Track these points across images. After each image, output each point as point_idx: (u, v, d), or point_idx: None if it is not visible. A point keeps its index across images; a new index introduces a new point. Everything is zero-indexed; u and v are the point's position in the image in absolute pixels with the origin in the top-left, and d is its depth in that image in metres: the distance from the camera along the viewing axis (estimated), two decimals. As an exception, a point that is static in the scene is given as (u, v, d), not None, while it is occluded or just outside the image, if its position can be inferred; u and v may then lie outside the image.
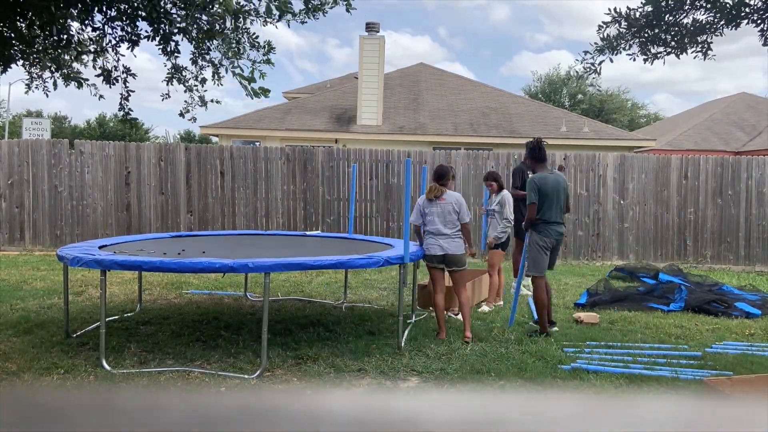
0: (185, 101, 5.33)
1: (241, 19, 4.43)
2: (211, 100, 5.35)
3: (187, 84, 5.21)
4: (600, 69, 5.28)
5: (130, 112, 5.40)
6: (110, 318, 5.91)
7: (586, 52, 5.24)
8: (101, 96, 5.67)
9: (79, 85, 5.47)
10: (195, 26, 4.58)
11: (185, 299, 7.17)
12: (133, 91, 5.35)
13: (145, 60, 67.28)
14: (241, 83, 4.53)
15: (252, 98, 4.58)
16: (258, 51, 4.78)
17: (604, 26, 5.12)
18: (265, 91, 4.51)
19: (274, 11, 4.39)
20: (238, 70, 4.60)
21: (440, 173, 5.57)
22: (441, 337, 5.40)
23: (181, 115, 5.33)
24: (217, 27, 4.57)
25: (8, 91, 35.99)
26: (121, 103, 5.34)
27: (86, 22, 4.98)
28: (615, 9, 5.04)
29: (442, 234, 5.43)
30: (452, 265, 5.45)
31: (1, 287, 7.51)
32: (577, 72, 5.37)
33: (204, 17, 4.42)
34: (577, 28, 72.92)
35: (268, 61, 4.70)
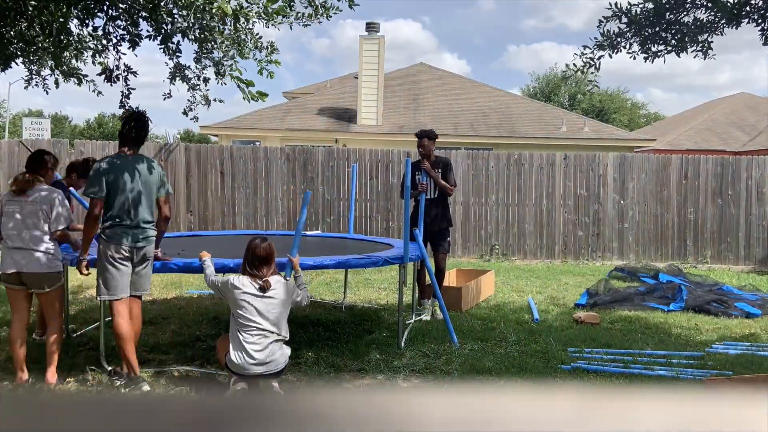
0: (188, 100, 5.32)
1: (242, 20, 4.42)
2: (214, 99, 5.34)
3: (190, 83, 5.20)
4: (599, 65, 5.26)
5: (131, 110, 5.39)
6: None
7: (585, 47, 5.23)
8: (100, 92, 5.65)
9: (79, 82, 5.46)
10: (196, 27, 4.58)
11: (185, 299, 7.17)
12: (134, 89, 5.34)
13: (140, 60, 67.41)
14: (239, 86, 4.50)
15: (249, 102, 4.55)
16: (261, 51, 4.77)
17: (605, 21, 5.11)
18: (262, 95, 4.48)
19: (264, 17, 4.37)
20: (236, 73, 4.58)
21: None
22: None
23: (185, 113, 5.32)
24: (217, 28, 4.56)
25: (8, 90, 36.02)
26: (122, 101, 5.33)
27: (86, 22, 4.97)
28: (616, 4, 5.03)
29: None
30: None
31: (0, 288, 7.50)
32: (575, 66, 5.35)
33: (203, 21, 4.40)
34: (561, 15, 73.74)
35: (275, 61, 4.69)
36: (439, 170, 6.22)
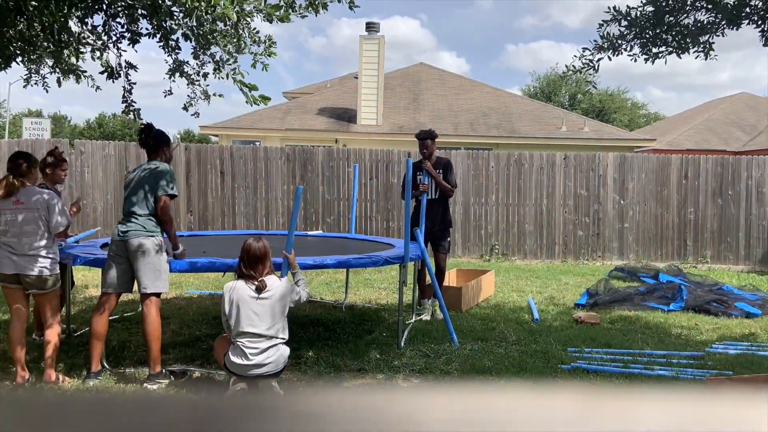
0: (188, 95, 5.32)
1: (243, 21, 4.43)
2: (214, 94, 5.34)
3: (189, 78, 5.20)
4: (598, 66, 5.26)
5: (133, 104, 5.40)
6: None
7: (585, 49, 5.23)
8: (98, 87, 5.64)
9: (78, 79, 5.45)
10: (196, 26, 4.58)
11: (185, 299, 7.17)
12: (135, 83, 5.34)
13: (140, 57, 67.31)
14: (241, 90, 4.50)
15: (252, 105, 4.56)
16: (259, 46, 4.76)
17: (604, 24, 5.11)
18: (264, 99, 4.48)
19: (275, 19, 4.38)
20: (239, 77, 4.58)
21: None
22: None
23: (185, 108, 5.32)
24: (219, 30, 4.56)
25: (8, 90, 36.03)
26: (124, 96, 5.33)
27: (86, 20, 4.97)
28: (615, 8, 5.04)
29: None
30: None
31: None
32: (574, 67, 5.35)
33: (204, 23, 4.41)
34: (559, 14, 74.25)
35: (271, 53, 4.68)
36: (440, 171, 6.22)
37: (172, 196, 4.37)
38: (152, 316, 4.22)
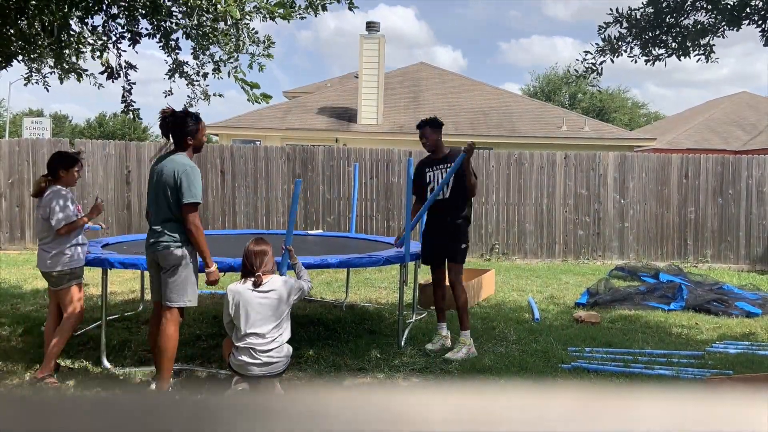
0: (188, 96, 5.34)
1: (243, 20, 4.43)
2: (214, 94, 5.35)
3: (189, 78, 5.22)
4: (601, 70, 5.27)
5: (133, 104, 5.40)
6: (111, 317, 5.91)
7: (587, 53, 5.25)
8: (100, 85, 5.66)
9: (79, 78, 5.46)
10: (197, 26, 4.58)
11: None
12: (134, 83, 5.35)
13: (140, 57, 67.42)
14: (243, 88, 4.51)
15: (253, 104, 4.56)
16: (258, 46, 4.77)
17: (605, 26, 5.12)
18: (266, 97, 4.49)
19: (276, 15, 4.39)
20: (240, 75, 4.58)
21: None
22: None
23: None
24: (220, 29, 4.56)
25: (9, 90, 35.99)
26: (123, 96, 5.35)
27: (86, 20, 4.98)
28: (616, 9, 5.04)
29: None
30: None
31: (1, 287, 7.52)
32: (577, 71, 5.36)
33: (204, 21, 4.41)
34: (548, 7, 74.52)
35: (269, 55, 4.70)
36: (448, 166, 5.12)
37: (196, 204, 3.81)
38: (167, 331, 3.87)
